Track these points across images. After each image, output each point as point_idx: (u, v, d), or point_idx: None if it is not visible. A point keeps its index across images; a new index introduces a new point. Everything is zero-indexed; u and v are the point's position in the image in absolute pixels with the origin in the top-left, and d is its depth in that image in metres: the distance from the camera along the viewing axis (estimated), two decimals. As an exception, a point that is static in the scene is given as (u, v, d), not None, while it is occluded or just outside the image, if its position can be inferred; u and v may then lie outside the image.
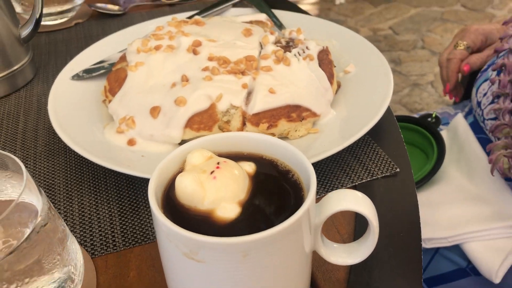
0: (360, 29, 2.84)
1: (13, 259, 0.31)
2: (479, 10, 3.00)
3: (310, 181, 0.33)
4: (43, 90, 0.67)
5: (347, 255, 0.37)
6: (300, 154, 0.35)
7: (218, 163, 0.34)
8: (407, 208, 0.45)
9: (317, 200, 0.34)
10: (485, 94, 0.71)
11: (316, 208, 0.34)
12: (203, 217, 0.33)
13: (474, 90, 0.75)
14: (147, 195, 0.48)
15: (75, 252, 0.37)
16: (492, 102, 0.67)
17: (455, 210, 0.67)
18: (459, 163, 0.75)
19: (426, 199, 0.71)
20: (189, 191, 0.33)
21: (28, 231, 0.33)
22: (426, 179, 0.73)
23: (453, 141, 0.79)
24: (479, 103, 0.72)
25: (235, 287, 0.32)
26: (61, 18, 0.84)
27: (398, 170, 0.49)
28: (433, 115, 0.87)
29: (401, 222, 0.44)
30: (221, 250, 0.30)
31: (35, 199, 0.35)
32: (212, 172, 0.34)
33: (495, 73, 0.67)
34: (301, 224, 0.31)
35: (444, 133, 0.81)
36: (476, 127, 0.76)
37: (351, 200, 0.34)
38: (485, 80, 0.71)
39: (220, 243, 0.29)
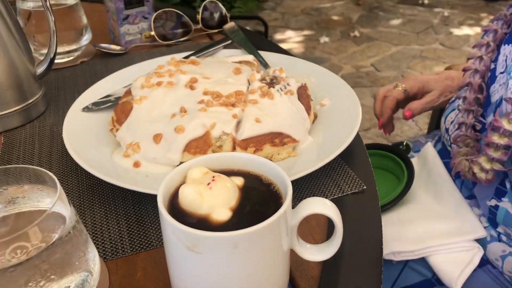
0: (343, 66, 2.98)
1: (49, 253, 0.39)
2: (456, 49, 3.17)
3: (287, 190, 0.41)
4: (54, 121, 0.75)
5: (318, 252, 0.45)
6: (280, 170, 0.44)
7: (213, 177, 0.43)
8: (371, 218, 0.54)
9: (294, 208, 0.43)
10: (452, 122, 0.80)
11: (292, 213, 0.43)
12: (201, 219, 0.40)
13: (442, 118, 0.85)
14: (150, 208, 0.56)
15: (94, 253, 0.45)
16: (458, 129, 0.76)
17: (421, 227, 0.76)
18: (427, 186, 0.84)
19: (396, 217, 0.79)
20: (190, 198, 0.41)
21: (57, 236, 0.40)
22: (397, 200, 0.82)
23: (422, 166, 0.88)
24: (447, 130, 0.81)
25: (227, 274, 0.40)
26: (68, 57, 0.93)
27: (365, 187, 0.58)
28: (404, 143, 0.96)
29: (366, 230, 0.52)
30: (216, 242, 0.38)
31: (65, 208, 0.42)
32: (208, 184, 0.42)
33: (461, 100, 0.76)
34: (279, 223, 0.40)
35: (415, 159, 0.90)
36: (444, 152, 0.85)
37: (320, 205, 0.42)
38: (452, 110, 0.81)
39: (215, 237, 0.37)
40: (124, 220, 0.55)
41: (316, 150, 0.61)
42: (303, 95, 0.67)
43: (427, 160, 0.86)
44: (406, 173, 0.85)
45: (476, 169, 0.65)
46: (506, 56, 0.68)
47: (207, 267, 0.39)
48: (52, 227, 0.42)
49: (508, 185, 0.67)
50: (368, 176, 0.60)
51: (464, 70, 0.72)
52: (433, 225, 0.75)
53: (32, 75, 0.75)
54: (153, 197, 0.52)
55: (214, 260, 0.39)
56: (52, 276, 0.39)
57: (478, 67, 0.70)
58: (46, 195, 0.45)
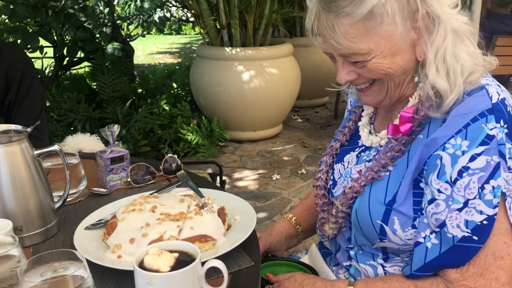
0: (292, 199, 3.48)
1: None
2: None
3: (198, 257, 0.84)
4: (64, 238, 1.16)
5: (216, 290, 0.86)
6: (196, 248, 0.86)
7: (161, 252, 0.85)
8: (252, 273, 0.95)
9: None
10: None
11: (201, 267, 0.84)
12: (154, 270, 0.82)
13: (317, 227, 1.30)
14: (127, 279, 0.96)
15: (97, 297, 0.84)
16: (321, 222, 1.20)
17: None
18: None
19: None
20: (150, 262, 0.83)
21: (77, 285, 0.80)
22: None
23: (312, 259, 1.30)
24: (320, 229, 1.26)
25: (167, 297, 0.80)
26: (70, 197, 1.36)
27: (253, 264, 1.00)
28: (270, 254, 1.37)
29: (248, 284, 0.93)
30: (160, 278, 0.79)
31: (85, 272, 0.82)
32: (159, 255, 0.84)
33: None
34: (192, 270, 0.81)
35: (306, 257, 1.32)
36: (321, 245, 1.28)
37: (215, 262, 0.84)
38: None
39: (159, 275, 0.79)
40: (111, 284, 0.94)
41: (227, 244, 1.04)
42: (221, 213, 1.12)
43: (311, 253, 1.29)
44: (307, 268, 1.26)
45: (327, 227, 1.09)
46: (339, 169, 1.16)
47: (157, 294, 0.80)
48: (76, 280, 0.81)
49: (352, 253, 1.10)
50: (256, 257, 1.02)
51: (314, 186, 1.20)
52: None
53: (52, 209, 1.17)
54: (128, 272, 0.92)
55: (160, 289, 0.79)
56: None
57: (320, 183, 1.17)
58: (73, 266, 0.85)
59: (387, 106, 1.09)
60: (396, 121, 1.02)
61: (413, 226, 0.98)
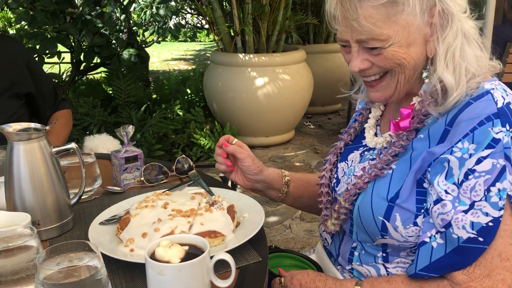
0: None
1: (86, 282, 0.81)
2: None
3: (207, 249, 0.87)
4: (79, 233, 1.20)
5: (222, 282, 0.88)
6: (206, 242, 0.90)
7: (172, 244, 0.88)
8: (260, 273, 0.98)
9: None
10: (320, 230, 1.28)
11: (210, 259, 0.87)
12: (165, 261, 0.85)
13: (318, 229, 1.32)
14: (137, 271, 0.99)
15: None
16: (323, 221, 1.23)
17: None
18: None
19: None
20: (161, 253, 0.86)
21: (91, 274, 0.84)
22: None
23: (317, 257, 1.33)
24: (321, 234, 1.28)
25: (176, 286, 0.83)
26: (85, 195, 1.41)
27: (260, 259, 1.03)
28: (273, 246, 1.41)
29: (254, 274, 0.96)
30: (170, 269, 0.82)
31: (99, 263, 0.86)
32: (169, 247, 0.88)
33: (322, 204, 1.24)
34: (201, 262, 0.85)
35: (314, 255, 1.35)
36: (324, 249, 1.31)
37: (223, 256, 0.87)
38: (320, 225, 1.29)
39: (169, 265, 0.82)
40: (123, 276, 0.98)
41: (236, 241, 1.07)
42: (230, 210, 1.15)
43: (317, 252, 1.31)
44: (310, 262, 1.29)
45: (329, 223, 1.12)
46: (343, 168, 1.20)
47: (167, 284, 0.83)
48: (91, 270, 0.85)
49: (356, 253, 1.13)
50: (263, 254, 1.05)
51: (318, 184, 1.22)
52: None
53: (68, 204, 1.22)
54: (140, 265, 0.96)
55: (170, 279, 0.83)
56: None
57: (324, 181, 1.20)
58: (88, 256, 0.89)
59: (395, 102, 1.13)
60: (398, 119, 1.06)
61: (415, 224, 1.00)
